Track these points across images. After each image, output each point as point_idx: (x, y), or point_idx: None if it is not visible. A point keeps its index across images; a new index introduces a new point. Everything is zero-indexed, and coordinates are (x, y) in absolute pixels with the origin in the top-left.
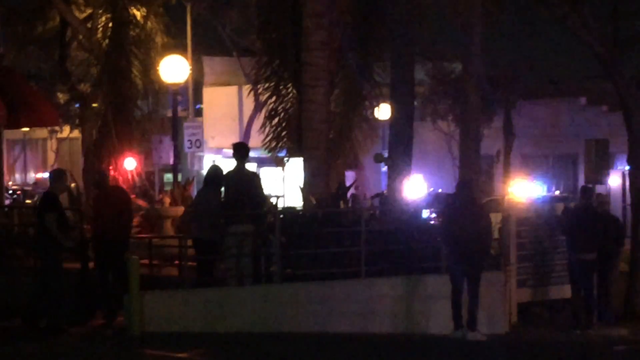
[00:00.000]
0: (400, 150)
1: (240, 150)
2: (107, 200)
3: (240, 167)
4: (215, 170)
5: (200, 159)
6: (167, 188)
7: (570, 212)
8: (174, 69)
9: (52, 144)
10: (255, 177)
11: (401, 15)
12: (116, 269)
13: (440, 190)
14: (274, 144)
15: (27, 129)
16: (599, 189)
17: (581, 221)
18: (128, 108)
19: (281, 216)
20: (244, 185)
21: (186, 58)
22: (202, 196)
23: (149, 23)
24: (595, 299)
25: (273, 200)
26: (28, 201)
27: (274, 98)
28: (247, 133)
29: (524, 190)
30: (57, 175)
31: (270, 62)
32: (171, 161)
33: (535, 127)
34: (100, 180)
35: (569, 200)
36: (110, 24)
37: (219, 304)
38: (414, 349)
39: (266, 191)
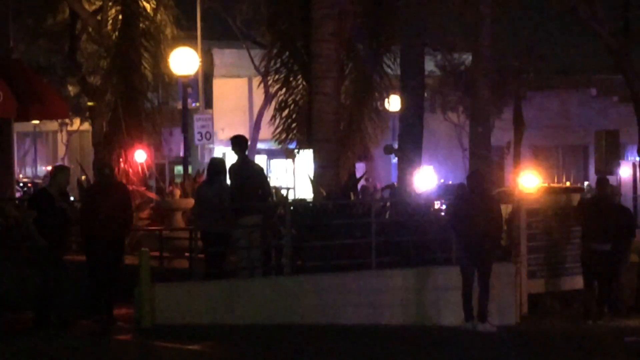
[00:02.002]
0: (410, 142)
1: (240, 143)
2: (108, 197)
3: (243, 160)
4: (218, 162)
5: (211, 151)
6: (178, 180)
7: (585, 202)
8: (183, 61)
9: (62, 137)
10: (260, 168)
11: (411, 5)
12: (109, 271)
13: (450, 182)
14: (284, 135)
15: (37, 121)
16: (610, 179)
17: (597, 212)
18: (138, 100)
19: (292, 208)
20: (250, 177)
21: (196, 50)
22: (207, 189)
23: (158, 15)
24: (608, 290)
25: (283, 192)
26: None
27: (284, 90)
28: (257, 125)
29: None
30: (55, 172)
31: (280, 53)
32: (181, 153)
33: (546, 118)
34: (106, 174)
35: (584, 192)
36: (120, 16)
37: (229, 296)
38: (424, 340)
39: (277, 183)
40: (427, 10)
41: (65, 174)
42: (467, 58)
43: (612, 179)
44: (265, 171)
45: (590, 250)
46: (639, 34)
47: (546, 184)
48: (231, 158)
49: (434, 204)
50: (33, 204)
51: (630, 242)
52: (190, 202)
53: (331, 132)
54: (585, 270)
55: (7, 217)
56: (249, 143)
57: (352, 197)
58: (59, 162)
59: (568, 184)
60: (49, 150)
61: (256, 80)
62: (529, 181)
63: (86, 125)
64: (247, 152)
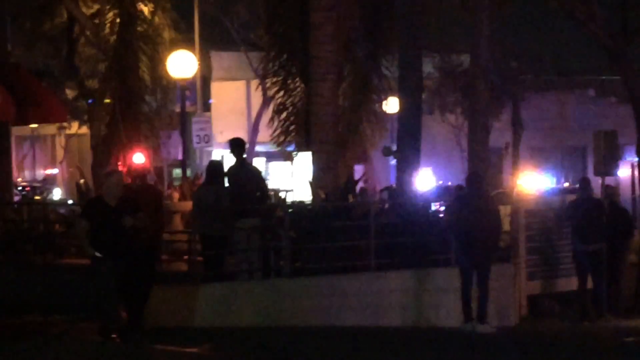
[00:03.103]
0: (408, 144)
1: (238, 146)
2: (140, 200)
3: (241, 162)
4: (215, 165)
5: (209, 154)
6: (176, 183)
7: (573, 203)
8: (181, 64)
9: (60, 141)
10: (258, 171)
11: (409, 7)
12: (144, 278)
13: (449, 184)
14: (282, 138)
15: (35, 125)
16: (608, 180)
17: (584, 212)
18: (136, 104)
19: (290, 210)
20: (248, 180)
21: (194, 53)
22: (205, 192)
23: (156, 18)
24: (604, 290)
25: (282, 194)
26: (37, 197)
27: (282, 92)
28: (255, 127)
29: (533, 182)
30: (105, 177)
31: (278, 56)
32: (180, 156)
33: (544, 120)
34: (139, 177)
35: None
36: (118, 20)
37: (228, 299)
38: (423, 342)
39: (276, 185)
40: (425, 12)
41: (112, 179)
42: (465, 59)
43: (610, 180)
44: (263, 174)
45: (580, 251)
46: (636, 34)
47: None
48: (229, 161)
49: (432, 206)
50: (85, 213)
51: (627, 242)
52: (189, 204)
53: (329, 134)
54: (577, 271)
55: (6, 220)
56: (247, 146)
57: (351, 199)
58: (57, 166)
59: (566, 185)
60: (47, 154)
61: (254, 83)
62: (528, 182)
63: (84, 129)
64: (245, 155)
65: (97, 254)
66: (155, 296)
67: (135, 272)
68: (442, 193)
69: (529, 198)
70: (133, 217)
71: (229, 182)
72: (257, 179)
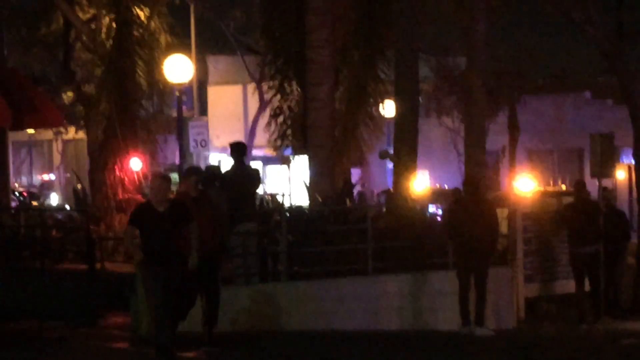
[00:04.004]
0: (405, 147)
1: (239, 150)
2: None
3: (240, 166)
4: (212, 170)
5: (206, 158)
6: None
7: (568, 206)
8: (178, 68)
9: (57, 146)
10: (257, 172)
11: (405, 10)
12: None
13: (446, 186)
14: (279, 142)
15: (32, 131)
16: (605, 183)
17: (579, 215)
18: (133, 108)
19: (287, 214)
20: (248, 184)
21: (190, 57)
22: None
23: (152, 23)
24: (602, 292)
25: (279, 198)
26: (34, 203)
27: (278, 96)
28: (252, 132)
29: (530, 184)
30: (151, 181)
31: (274, 60)
32: (177, 161)
33: (541, 122)
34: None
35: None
36: (114, 25)
37: (225, 303)
38: (422, 346)
39: (272, 189)
40: (421, 14)
41: (157, 182)
42: (462, 62)
43: (607, 183)
44: (260, 176)
45: (577, 253)
46: (632, 36)
47: (541, 188)
48: (228, 165)
49: (429, 209)
50: (133, 220)
51: (625, 245)
52: None
53: (326, 138)
54: (574, 274)
55: (3, 226)
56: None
57: (348, 203)
58: (54, 172)
59: (564, 187)
60: (44, 159)
61: (251, 87)
62: (525, 185)
63: (81, 134)
64: (245, 157)
65: (144, 260)
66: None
67: (201, 282)
68: (439, 196)
69: (525, 201)
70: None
71: (226, 185)
72: (255, 180)
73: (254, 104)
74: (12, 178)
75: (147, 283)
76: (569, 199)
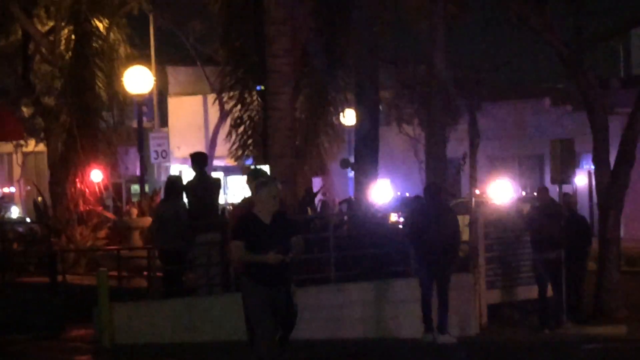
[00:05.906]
0: (366, 155)
1: (199, 160)
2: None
3: (202, 176)
4: (173, 181)
5: (167, 169)
6: (135, 199)
7: (532, 212)
8: (138, 79)
9: (17, 158)
10: (218, 182)
11: (365, 19)
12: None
13: (407, 194)
14: (240, 152)
15: None
16: (566, 188)
17: (541, 221)
18: (93, 120)
19: None
20: (209, 194)
21: (150, 68)
22: (165, 208)
23: (111, 34)
24: (564, 298)
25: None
26: None
27: (239, 106)
28: (213, 142)
29: (499, 192)
30: (258, 188)
31: (234, 70)
32: (138, 172)
33: (501, 129)
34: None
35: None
36: (73, 36)
37: (188, 314)
38: (385, 354)
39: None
40: (381, 23)
41: (265, 190)
42: (422, 70)
43: (567, 188)
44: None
45: (539, 259)
46: (590, 41)
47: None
48: (189, 176)
49: (390, 217)
50: (236, 234)
51: (586, 250)
52: (148, 220)
53: (287, 147)
54: (537, 279)
55: None
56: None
57: (310, 212)
58: (15, 184)
59: (523, 193)
60: (4, 171)
61: (211, 97)
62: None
63: (41, 146)
64: (206, 168)
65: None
66: (115, 313)
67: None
68: (401, 204)
69: (488, 207)
70: (283, 253)
71: (187, 195)
72: (217, 189)
73: (214, 114)
74: None
75: (252, 302)
76: (527, 205)
